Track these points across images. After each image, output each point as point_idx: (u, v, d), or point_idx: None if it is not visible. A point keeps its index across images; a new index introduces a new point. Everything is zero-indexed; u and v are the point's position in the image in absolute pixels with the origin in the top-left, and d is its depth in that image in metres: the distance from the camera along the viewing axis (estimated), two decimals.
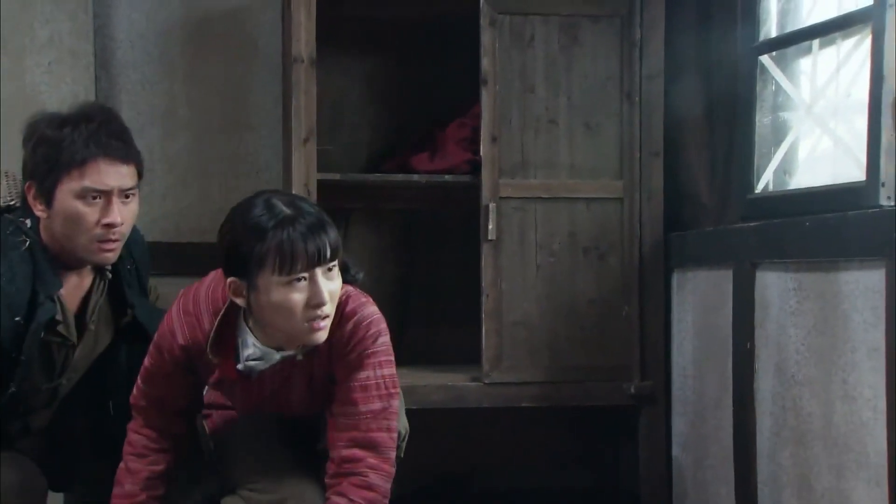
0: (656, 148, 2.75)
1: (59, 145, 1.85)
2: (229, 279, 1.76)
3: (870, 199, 1.99)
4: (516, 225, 2.72)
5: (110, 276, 2.02)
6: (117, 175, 1.88)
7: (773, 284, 2.30)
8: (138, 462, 1.93)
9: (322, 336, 1.76)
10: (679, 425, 2.78)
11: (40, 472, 2.00)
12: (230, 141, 3.06)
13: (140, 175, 1.96)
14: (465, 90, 2.81)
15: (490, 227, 2.67)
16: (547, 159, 2.74)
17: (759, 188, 2.48)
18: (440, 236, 3.11)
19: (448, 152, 2.85)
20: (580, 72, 2.74)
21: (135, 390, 1.95)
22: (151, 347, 1.92)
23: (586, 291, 2.75)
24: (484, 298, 2.68)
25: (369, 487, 1.79)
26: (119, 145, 1.89)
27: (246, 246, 1.69)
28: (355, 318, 1.82)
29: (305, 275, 1.69)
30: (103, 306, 2.04)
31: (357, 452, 1.80)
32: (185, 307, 1.88)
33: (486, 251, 2.69)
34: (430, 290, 3.12)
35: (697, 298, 2.69)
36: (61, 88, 2.86)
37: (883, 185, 1.97)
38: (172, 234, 3.00)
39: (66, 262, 1.95)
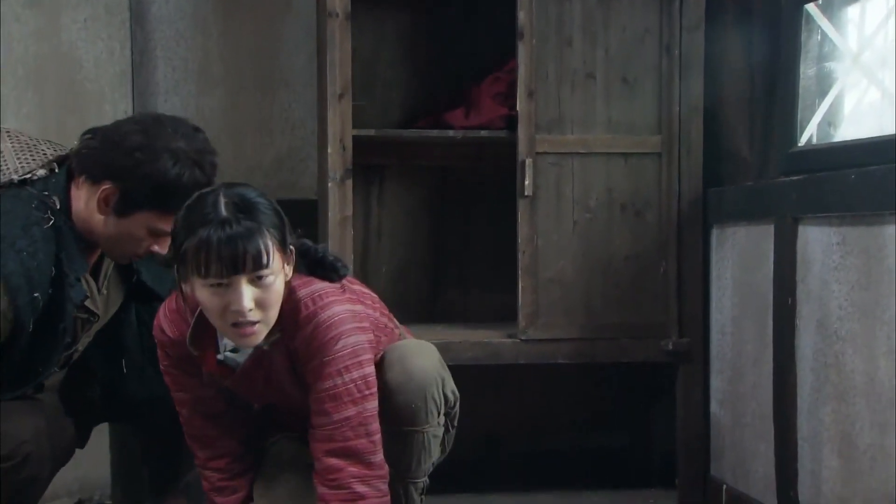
0: (696, 102, 2.70)
1: (167, 188, 1.80)
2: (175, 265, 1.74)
3: None
4: (552, 181, 2.69)
5: None
6: None
7: (815, 239, 2.25)
8: (221, 496, 1.95)
9: (252, 341, 1.72)
10: (717, 383, 2.75)
11: (65, 415, 2.00)
12: (264, 98, 3.05)
13: None
14: (501, 44, 2.77)
15: (526, 182, 2.64)
16: (584, 114, 2.70)
17: (803, 141, 2.42)
18: (475, 193, 3.08)
19: (483, 108, 2.81)
20: (618, 24, 2.69)
21: (176, 407, 1.94)
22: (158, 348, 1.92)
23: (623, 248, 2.72)
24: (520, 255, 2.66)
25: (358, 499, 1.74)
26: None
27: (178, 238, 1.68)
28: (312, 322, 1.74)
29: (224, 280, 1.65)
30: (112, 270, 2.04)
31: (337, 462, 1.74)
32: (170, 304, 1.87)
33: (522, 207, 2.66)
34: (465, 247, 3.10)
35: (737, 255, 2.65)
36: (97, 45, 2.86)
37: None
38: None
39: (89, 241, 1.93)
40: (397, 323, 2.05)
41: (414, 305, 3.11)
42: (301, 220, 2.97)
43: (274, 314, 1.72)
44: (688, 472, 2.77)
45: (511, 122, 2.70)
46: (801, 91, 2.42)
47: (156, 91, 2.99)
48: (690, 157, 2.70)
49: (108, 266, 2.02)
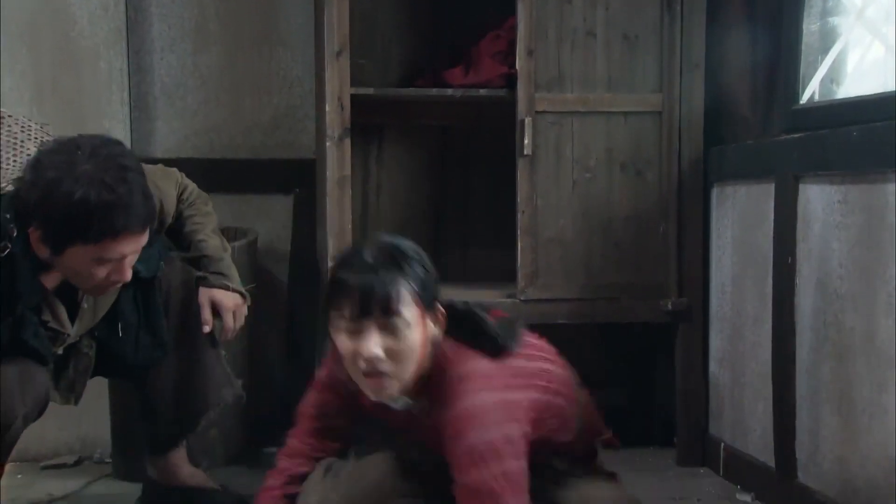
0: (697, 60, 2.67)
1: (75, 217, 1.72)
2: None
3: None
4: (552, 140, 2.66)
5: None
6: (135, 244, 1.81)
7: (816, 198, 2.23)
8: (287, 461, 1.93)
9: (383, 393, 1.66)
10: (716, 342, 2.75)
11: (41, 369, 1.98)
12: (261, 56, 3.02)
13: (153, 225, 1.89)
14: (501, 2, 2.73)
15: (525, 142, 2.62)
16: (584, 72, 2.67)
17: (805, 99, 2.40)
18: (475, 152, 3.06)
19: (482, 66, 2.78)
20: None
21: (305, 398, 1.93)
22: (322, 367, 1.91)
23: (623, 208, 2.70)
24: (519, 215, 2.65)
25: None
26: (142, 215, 1.78)
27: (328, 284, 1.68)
28: (455, 406, 1.64)
29: (353, 324, 1.61)
30: None
31: None
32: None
33: (521, 167, 2.64)
34: (465, 207, 3.09)
35: (737, 214, 2.63)
36: (91, 1, 2.82)
37: None
38: (205, 150, 2.98)
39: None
40: (577, 392, 1.92)
41: None
42: (299, 179, 3.00)
43: (407, 369, 1.65)
44: (686, 430, 2.78)
45: (511, 81, 2.67)
46: (803, 47, 2.39)
47: (151, 49, 2.95)
48: (691, 116, 2.68)
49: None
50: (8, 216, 1.81)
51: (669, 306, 2.69)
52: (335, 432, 1.93)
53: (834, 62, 2.36)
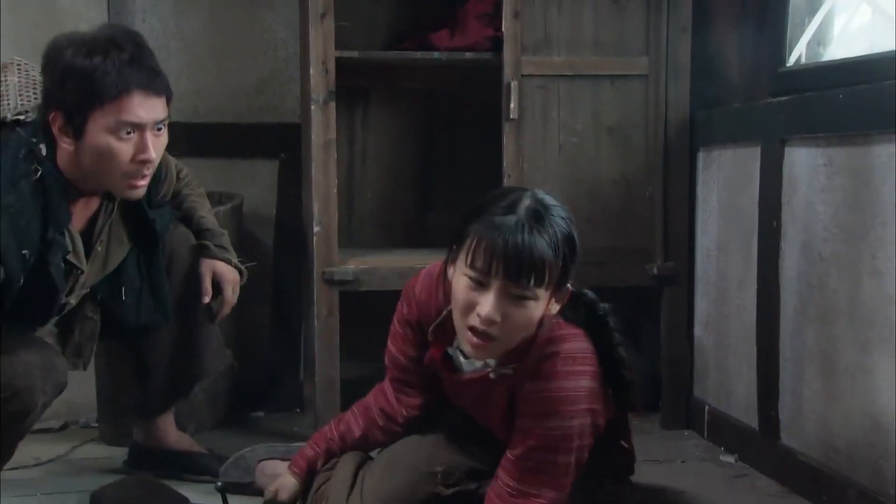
0: (684, 23, 2.65)
1: (90, 77, 1.74)
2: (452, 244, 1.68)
3: None
4: (538, 104, 2.65)
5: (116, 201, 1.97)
6: (152, 108, 1.81)
7: (802, 161, 2.24)
8: (353, 418, 1.97)
9: (481, 353, 1.66)
10: (701, 306, 2.76)
11: (59, 352, 2.01)
12: (246, 18, 2.98)
13: (169, 104, 1.88)
14: None
15: (511, 105, 2.61)
16: (571, 35, 2.65)
17: (791, 61, 2.40)
18: (461, 116, 3.05)
19: (468, 29, 2.76)
20: None
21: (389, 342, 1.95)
22: (401, 301, 1.90)
23: (609, 172, 2.70)
24: (505, 179, 2.64)
25: None
26: (153, 77, 1.80)
27: (466, 217, 1.65)
28: (553, 383, 1.65)
29: (485, 279, 1.58)
30: (114, 225, 2.00)
31: None
32: (432, 269, 1.84)
33: (507, 131, 2.63)
34: (452, 171, 3.08)
35: (723, 177, 2.64)
36: None
37: None
38: (190, 114, 2.95)
39: (81, 189, 1.89)
40: None
41: (400, 229, 3.10)
42: (285, 144, 2.98)
43: (514, 339, 1.64)
44: (671, 393, 2.80)
45: (497, 44, 2.65)
46: (790, 10, 2.38)
47: (133, 10, 2.92)
48: (678, 80, 2.67)
49: (105, 221, 1.97)
50: (34, 139, 1.82)
51: (655, 270, 2.71)
52: (411, 385, 1.93)
53: (821, 25, 2.36)
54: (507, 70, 2.60)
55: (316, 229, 2.57)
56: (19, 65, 2.31)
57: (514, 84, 2.60)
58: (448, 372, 1.81)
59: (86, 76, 1.74)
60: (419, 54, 2.74)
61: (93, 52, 1.76)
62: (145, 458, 2.31)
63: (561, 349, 1.67)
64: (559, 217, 1.63)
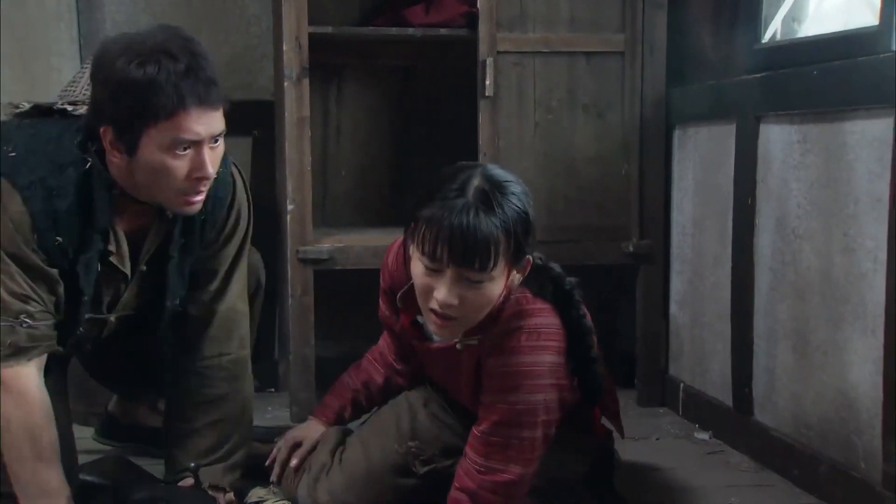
0: None
1: (144, 92, 1.60)
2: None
3: (882, 44, 1.91)
4: (514, 81, 2.65)
5: (170, 216, 1.82)
6: (209, 122, 1.66)
7: (776, 138, 2.25)
8: (369, 365, 2.03)
9: (444, 333, 1.70)
10: (677, 284, 2.78)
11: (65, 399, 1.93)
12: None
13: (226, 114, 1.73)
14: None
15: (487, 82, 2.60)
16: (546, 11, 2.65)
17: (767, 38, 2.40)
18: (436, 93, 3.04)
19: (444, 4, 2.75)
20: None
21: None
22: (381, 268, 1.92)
23: (585, 150, 2.70)
24: (481, 157, 2.64)
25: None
26: (210, 89, 1.66)
27: (419, 199, 1.64)
28: (516, 357, 1.67)
29: (436, 266, 1.59)
30: (160, 248, 1.87)
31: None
32: (398, 255, 1.85)
33: (483, 108, 2.63)
34: (427, 149, 3.07)
35: (699, 155, 2.64)
36: None
37: None
38: None
39: (127, 194, 1.76)
40: None
41: (375, 208, 3.10)
42: (258, 121, 2.96)
43: (476, 317, 1.65)
44: (646, 371, 2.82)
45: (472, 20, 2.64)
46: None
47: None
48: (654, 56, 2.67)
49: (154, 242, 1.85)
50: (83, 137, 1.72)
51: (631, 248, 2.72)
52: (402, 350, 1.99)
53: (796, 1, 2.36)
54: (483, 47, 2.60)
55: (290, 208, 2.57)
56: None
57: (489, 61, 2.59)
58: (418, 341, 1.84)
59: (139, 91, 1.61)
60: (394, 30, 2.73)
61: (145, 61, 1.61)
62: (117, 431, 2.30)
63: (526, 324, 1.68)
64: (510, 194, 1.61)
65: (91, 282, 1.77)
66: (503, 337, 1.68)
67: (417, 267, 1.63)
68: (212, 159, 1.69)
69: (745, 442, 2.37)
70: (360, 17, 2.96)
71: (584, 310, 1.77)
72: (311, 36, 2.54)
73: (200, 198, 1.74)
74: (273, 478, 1.99)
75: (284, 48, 2.52)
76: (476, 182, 1.60)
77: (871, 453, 1.92)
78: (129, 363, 2.10)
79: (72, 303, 1.78)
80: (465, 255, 1.56)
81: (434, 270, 1.60)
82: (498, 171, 1.65)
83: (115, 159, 1.69)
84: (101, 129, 1.66)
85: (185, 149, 1.66)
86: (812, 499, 2.08)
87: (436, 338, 1.80)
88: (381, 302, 1.97)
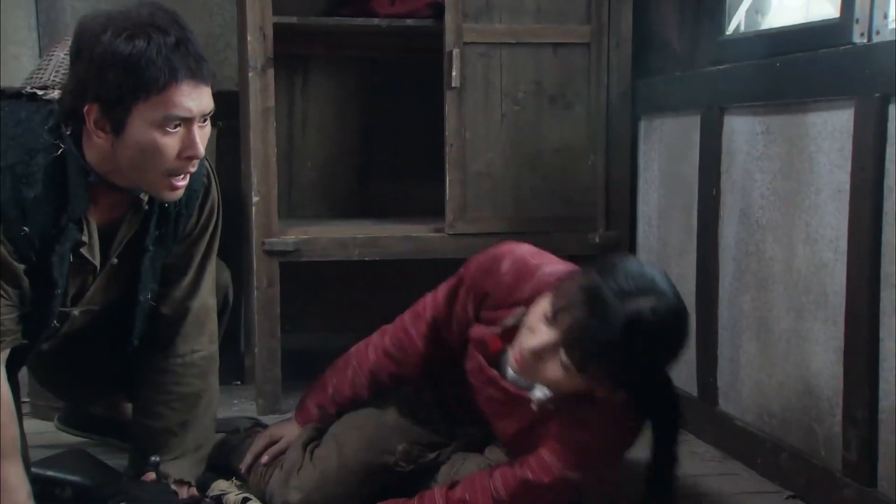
0: None
1: (134, 66, 1.55)
2: None
3: (843, 36, 1.95)
4: (480, 72, 2.66)
5: (146, 207, 1.80)
6: (200, 98, 1.63)
7: (740, 129, 2.28)
8: (387, 358, 1.96)
9: (520, 378, 1.72)
10: None
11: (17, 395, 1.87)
12: None
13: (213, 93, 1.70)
14: None
15: (454, 73, 2.61)
16: (512, 2, 2.65)
17: (731, 30, 2.43)
18: (403, 84, 3.04)
19: None
20: None
21: (431, 296, 1.93)
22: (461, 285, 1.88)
23: (551, 141, 2.72)
24: (448, 148, 2.65)
25: None
26: (201, 63, 1.63)
27: None
28: (583, 434, 1.68)
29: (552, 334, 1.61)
30: (132, 241, 1.83)
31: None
32: (517, 271, 1.83)
33: (449, 99, 2.63)
34: (393, 140, 3.08)
35: (664, 146, 2.67)
36: None
37: (857, 21, 1.93)
38: None
39: (105, 182, 1.71)
40: None
41: (341, 199, 3.10)
42: (222, 112, 2.93)
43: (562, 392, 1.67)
44: None
45: (438, 11, 2.64)
46: None
47: None
48: (619, 48, 2.69)
49: (125, 234, 1.81)
50: (63, 117, 1.67)
51: (597, 239, 2.74)
52: (433, 353, 1.93)
53: None
54: (449, 37, 2.60)
55: (255, 199, 2.56)
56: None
57: (455, 52, 2.60)
58: (485, 362, 1.80)
59: (128, 65, 1.55)
60: (359, 21, 2.72)
61: (133, 35, 1.56)
62: (78, 419, 2.29)
63: (606, 410, 1.68)
64: (659, 347, 1.60)
65: (64, 273, 1.73)
66: (579, 407, 1.68)
67: (538, 328, 1.61)
68: (201, 138, 1.66)
69: (710, 431, 2.40)
70: (325, 7, 2.94)
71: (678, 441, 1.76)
72: (276, 26, 2.53)
73: (185, 182, 1.70)
74: (242, 466, 1.99)
75: (249, 38, 2.51)
76: (644, 306, 1.54)
77: (832, 441, 1.95)
78: (82, 368, 2.07)
79: (43, 295, 1.74)
80: (580, 358, 1.56)
81: (548, 348, 1.60)
82: (673, 313, 1.59)
83: (100, 139, 1.64)
84: (86, 108, 1.61)
85: (175, 126, 1.61)
86: (775, 487, 2.11)
87: (512, 378, 1.77)
88: (448, 296, 1.90)
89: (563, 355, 1.58)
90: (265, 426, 2.15)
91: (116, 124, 1.61)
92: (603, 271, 1.58)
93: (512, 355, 1.69)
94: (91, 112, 1.61)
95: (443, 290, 1.93)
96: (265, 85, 2.53)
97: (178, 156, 1.64)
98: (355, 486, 1.88)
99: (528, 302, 1.70)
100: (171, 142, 1.62)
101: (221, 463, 2.04)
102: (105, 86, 1.58)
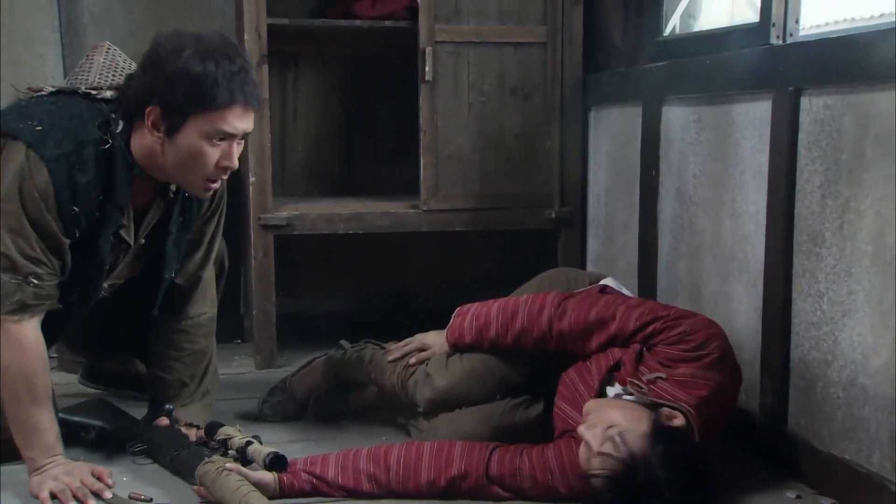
0: None
1: (203, 83, 1.63)
2: None
3: (762, 37, 2.00)
4: (451, 67, 2.69)
5: (172, 196, 1.84)
6: (247, 121, 1.70)
7: (676, 118, 2.33)
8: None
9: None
10: (593, 245, 2.86)
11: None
12: None
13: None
14: None
15: (427, 69, 2.64)
16: (478, 6, 2.69)
17: (667, 31, 2.47)
18: (382, 78, 3.07)
19: None
20: None
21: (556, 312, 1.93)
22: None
23: (513, 128, 2.76)
24: (422, 135, 2.68)
25: None
26: (255, 92, 1.70)
27: None
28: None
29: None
30: (157, 224, 1.89)
31: None
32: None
33: (423, 92, 2.67)
34: (374, 127, 3.11)
35: (611, 133, 2.72)
36: None
37: (773, 24, 1.98)
38: None
39: (145, 175, 1.76)
40: None
41: (328, 180, 3.13)
42: None
43: None
44: None
45: (413, 13, 2.67)
46: None
47: None
48: (572, 46, 2.74)
49: (153, 216, 1.86)
50: (114, 115, 1.73)
51: (553, 215, 2.79)
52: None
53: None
54: (423, 37, 2.63)
55: (252, 179, 2.59)
56: (108, 49, 2.27)
57: (429, 50, 2.63)
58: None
59: (199, 82, 1.63)
60: (343, 22, 2.75)
61: (206, 57, 1.64)
62: (98, 376, 2.34)
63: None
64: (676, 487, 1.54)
65: (108, 252, 1.79)
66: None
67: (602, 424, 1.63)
68: (237, 152, 1.74)
69: None
70: (314, 10, 2.96)
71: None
72: (270, 27, 2.55)
73: (217, 185, 1.78)
74: (390, 355, 2.05)
75: (245, 37, 2.53)
76: (659, 476, 1.54)
77: (752, 387, 2.02)
78: (102, 332, 2.11)
79: (91, 271, 1.79)
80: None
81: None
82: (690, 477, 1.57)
83: (152, 138, 1.69)
84: (148, 109, 1.68)
85: (220, 139, 1.69)
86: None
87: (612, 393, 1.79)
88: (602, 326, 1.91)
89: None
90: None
91: (172, 128, 1.67)
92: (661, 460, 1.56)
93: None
94: (152, 113, 1.68)
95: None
96: (260, 79, 2.54)
97: (217, 165, 1.71)
98: (491, 388, 1.94)
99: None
100: (214, 152, 1.69)
101: (341, 376, 2.15)
102: (172, 93, 1.65)
